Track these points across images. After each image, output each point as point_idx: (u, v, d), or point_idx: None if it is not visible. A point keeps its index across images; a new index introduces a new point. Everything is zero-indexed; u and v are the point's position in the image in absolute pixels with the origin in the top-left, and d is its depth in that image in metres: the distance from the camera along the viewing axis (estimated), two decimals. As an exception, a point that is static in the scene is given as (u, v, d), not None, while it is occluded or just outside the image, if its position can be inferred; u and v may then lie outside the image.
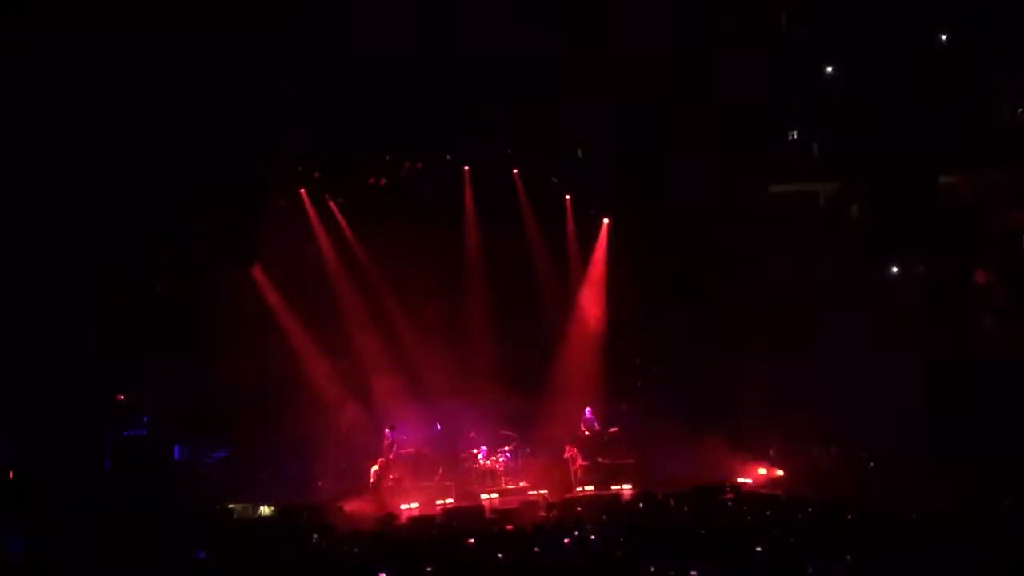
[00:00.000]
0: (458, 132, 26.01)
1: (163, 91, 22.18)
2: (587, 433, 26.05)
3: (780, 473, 25.36)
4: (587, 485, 24.74)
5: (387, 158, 26.04)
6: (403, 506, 22.70)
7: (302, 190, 26.12)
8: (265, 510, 21.58)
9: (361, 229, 26.87)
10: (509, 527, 18.93)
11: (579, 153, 27.66)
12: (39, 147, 21.36)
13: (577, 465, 24.89)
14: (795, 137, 27.07)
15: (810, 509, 18.77)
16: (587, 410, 26.23)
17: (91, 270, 23.43)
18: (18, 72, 21.17)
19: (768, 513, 18.69)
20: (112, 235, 23.00)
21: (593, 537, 16.49)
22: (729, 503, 20.81)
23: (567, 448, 25.21)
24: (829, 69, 25.55)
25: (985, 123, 24.52)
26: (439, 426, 25.80)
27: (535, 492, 24.31)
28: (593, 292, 28.46)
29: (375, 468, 24.00)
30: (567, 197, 28.35)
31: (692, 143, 25.33)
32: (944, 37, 25.05)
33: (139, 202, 22.90)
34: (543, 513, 21.44)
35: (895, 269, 25.90)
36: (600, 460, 25.54)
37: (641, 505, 21.26)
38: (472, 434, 25.50)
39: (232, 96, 22.56)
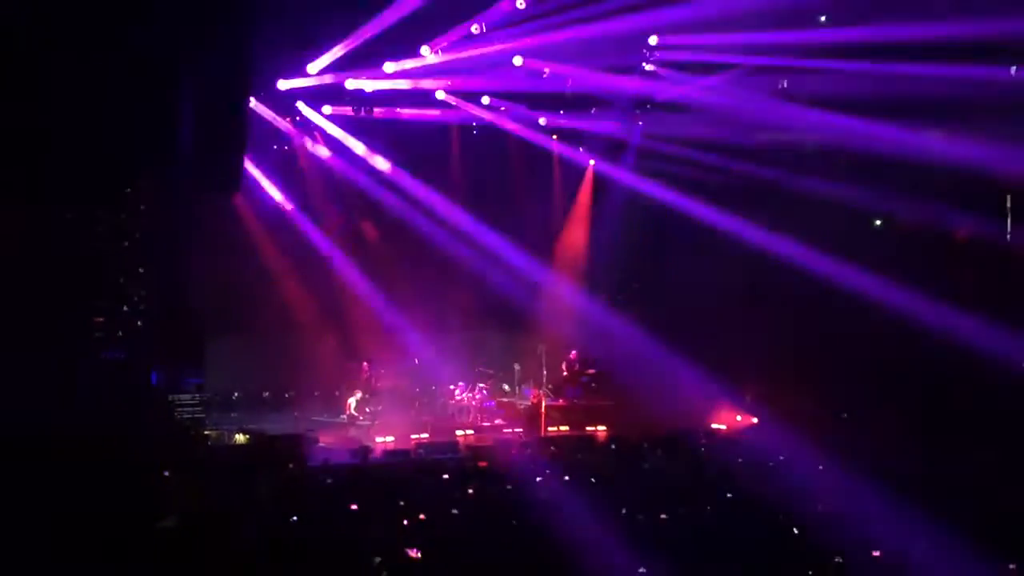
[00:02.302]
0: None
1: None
2: (566, 373, 26.19)
3: (755, 420, 25.52)
4: (562, 425, 24.88)
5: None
6: (378, 439, 22.76)
7: (287, 119, 25.89)
8: (240, 438, 21.56)
9: (345, 161, 26.75)
10: (482, 464, 19.04)
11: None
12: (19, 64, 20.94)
13: (543, 409, 24.83)
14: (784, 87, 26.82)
15: (782, 457, 18.96)
16: (572, 352, 26.36)
17: (72, 191, 23.21)
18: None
19: (740, 460, 18.87)
20: (92, 156, 22.68)
21: (567, 477, 16.63)
22: (703, 448, 20.97)
23: (532, 393, 25.25)
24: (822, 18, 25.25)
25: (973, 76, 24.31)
26: (417, 360, 25.82)
27: (510, 430, 24.44)
28: (577, 234, 28.50)
29: (351, 400, 24.05)
30: (554, 137, 28.31)
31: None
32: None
33: (118, 121, 22.51)
34: (516, 451, 21.52)
35: (877, 222, 25.85)
36: (576, 401, 25.79)
37: (614, 447, 21.40)
38: (450, 370, 25.58)
39: (220, 20, 22.10)
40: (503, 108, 26.89)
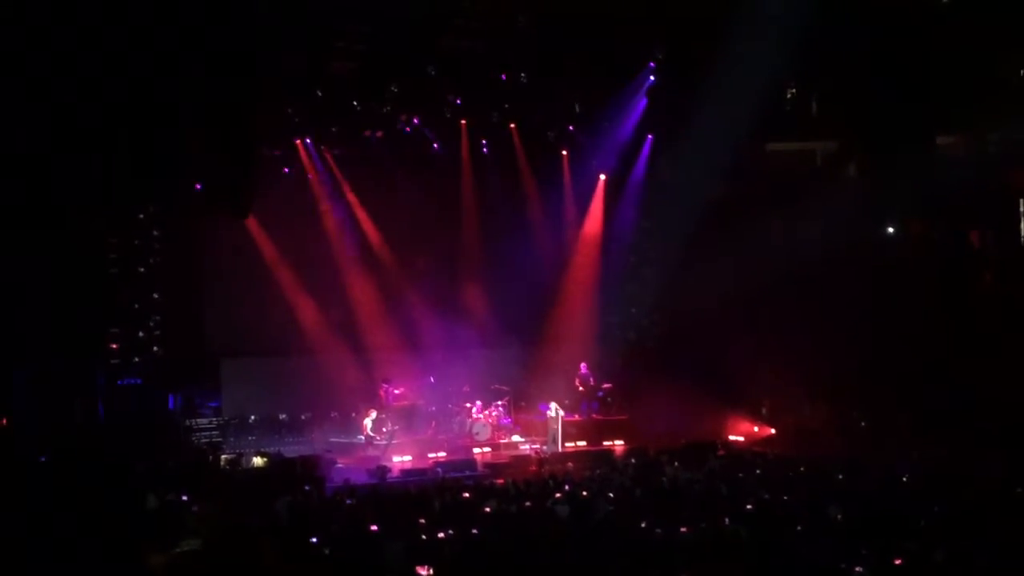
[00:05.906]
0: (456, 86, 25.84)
1: (158, 36, 21.75)
2: (581, 388, 26.16)
3: (772, 431, 25.47)
4: (579, 440, 24.84)
5: (384, 111, 25.78)
6: (396, 458, 22.76)
7: (297, 141, 25.93)
8: (258, 460, 21.58)
9: (356, 181, 26.80)
10: (500, 481, 19.01)
11: (576, 109, 27.50)
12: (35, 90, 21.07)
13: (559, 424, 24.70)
14: (793, 95, 26.82)
15: (801, 468, 18.88)
16: (582, 365, 26.35)
17: (87, 218, 23.41)
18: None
19: (758, 471, 18.80)
20: (105, 179, 22.81)
21: (584, 493, 16.59)
22: (721, 460, 20.91)
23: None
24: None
25: (984, 83, 24.30)
26: (433, 379, 25.82)
27: (528, 447, 24.41)
28: (589, 248, 28.49)
29: (367, 421, 24.05)
30: (563, 153, 28.32)
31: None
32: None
33: (134, 146, 22.64)
34: (534, 468, 21.50)
35: (891, 229, 25.81)
36: (593, 416, 25.78)
37: (633, 461, 21.36)
38: (466, 388, 25.57)
39: (227, 43, 22.18)
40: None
